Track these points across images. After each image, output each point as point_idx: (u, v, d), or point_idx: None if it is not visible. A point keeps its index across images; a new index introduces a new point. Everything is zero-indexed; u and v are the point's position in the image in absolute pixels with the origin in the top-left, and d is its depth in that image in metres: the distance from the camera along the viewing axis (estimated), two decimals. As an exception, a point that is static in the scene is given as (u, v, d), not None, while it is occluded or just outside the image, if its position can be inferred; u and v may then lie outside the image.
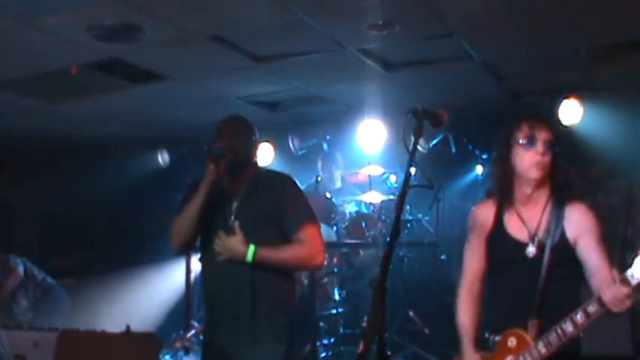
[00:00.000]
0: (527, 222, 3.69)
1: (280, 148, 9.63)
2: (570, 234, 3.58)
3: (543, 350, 3.40)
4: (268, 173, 4.53)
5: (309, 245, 4.22)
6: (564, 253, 3.58)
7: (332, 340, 7.78)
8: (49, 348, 3.31)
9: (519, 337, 3.51)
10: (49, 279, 8.80)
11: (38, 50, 6.48)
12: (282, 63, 6.98)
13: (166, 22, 5.81)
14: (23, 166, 10.05)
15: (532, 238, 3.64)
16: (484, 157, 9.43)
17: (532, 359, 3.43)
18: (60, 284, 8.95)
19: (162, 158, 10.68)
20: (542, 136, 3.61)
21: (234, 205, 4.33)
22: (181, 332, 8.37)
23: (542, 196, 3.71)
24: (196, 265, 8.65)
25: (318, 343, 7.30)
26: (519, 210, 3.73)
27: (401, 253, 8.48)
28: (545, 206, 3.68)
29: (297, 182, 4.57)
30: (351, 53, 6.67)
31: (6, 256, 8.60)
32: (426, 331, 8.13)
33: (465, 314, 3.89)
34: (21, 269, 8.50)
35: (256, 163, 4.49)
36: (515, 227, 3.72)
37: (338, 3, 5.50)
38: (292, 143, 9.47)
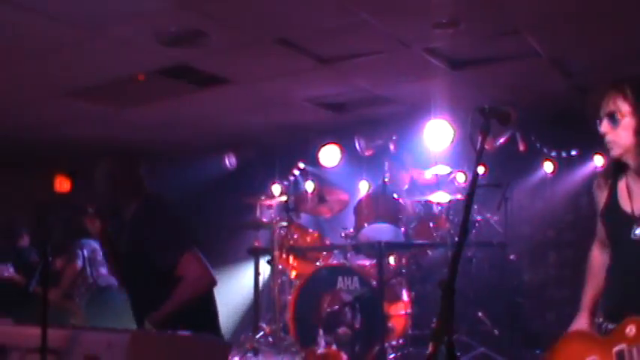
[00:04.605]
0: (635, 196, 3.29)
1: (347, 149, 9.65)
2: None
3: None
4: None
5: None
6: None
7: (400, 341, 7.75)
8: (122, 348, 3.34)
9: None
10: (101, 280, 8.64)
11: (107, 58, 6.61)
12: (346, 64, 6.98)
13: (231, 27, 5.87)
14: (93, 171, 10.23)
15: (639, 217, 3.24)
16: (552, 154, 9.30)
17: None
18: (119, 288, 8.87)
19: (229, 161, 10.77)
20: (624, 108, 3.24)
21: None
22: (250, 334, 8.43)
23: None
24: (265, 268, 8.73)
25: (386, 344, 7.28)
26: (629, 181, 3.33)
27: (469, 254, 8.40)
28: None
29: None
30: (416, 52, 6.64)
31: (74, 244, 8.55)
32: (496, 332, 8.04)
33: (595, 266, 3.58)
34: (79, 263, 8.45)
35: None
36: (624, 200, 3.32)
37: (402, 2, 5.48)
38: (359, 144, 9.46)
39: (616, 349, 3.12)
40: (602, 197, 3.43)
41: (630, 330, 3.09)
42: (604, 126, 3.25)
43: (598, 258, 3.59)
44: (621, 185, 3.34)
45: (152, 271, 4.31)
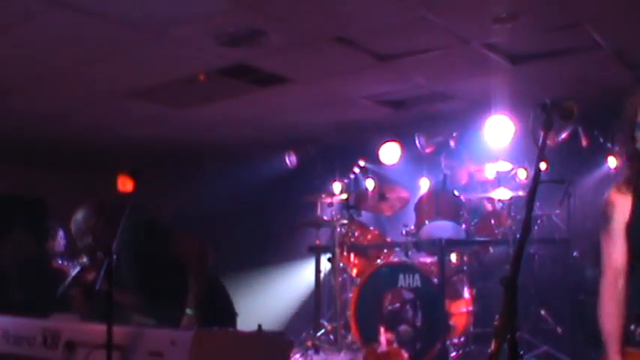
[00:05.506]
0: None
1: (407, 146, 9.62)
2: None
3: None
4: None
5: None
6: None
7: (462, 338, 7.71)
8: (186, 346, 3.39)
9: None
10: None
11: (168, 60, 6.71)
12: (405, 61, 6.96)
13: (290, 26, 5.89)
14: (155, 171, 10.36)
15: None
16: (616, 149, 9.14)
17: None
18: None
19: (290, 160, 10.81)
20: None
21: None
22: (311, 331, 8.45)
23: None
24: (325, 265, 8.74)
25: (448, 342, 7.24)
26: None
27: (531, 250, 8.32)
28: None
29: None
30: (475, 48, 6.60)
31: None
32: (559, 330, 7.95)
33: (609, 313, 3.32)
34: None
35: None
36: None
37: (461, -2, 5.46)
38: (419, 141, 9.42)
39: None
40: (623, 209, 3.26)
41: None
42: None
43: (612, 299, 3.33)
44: None
45: (161, 269, 4.73)
